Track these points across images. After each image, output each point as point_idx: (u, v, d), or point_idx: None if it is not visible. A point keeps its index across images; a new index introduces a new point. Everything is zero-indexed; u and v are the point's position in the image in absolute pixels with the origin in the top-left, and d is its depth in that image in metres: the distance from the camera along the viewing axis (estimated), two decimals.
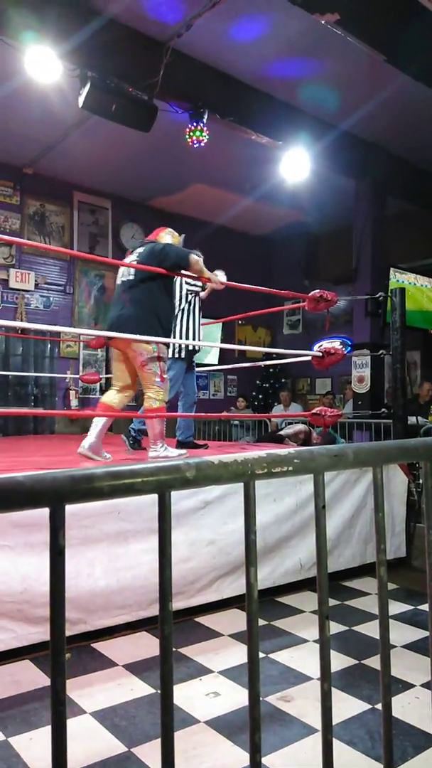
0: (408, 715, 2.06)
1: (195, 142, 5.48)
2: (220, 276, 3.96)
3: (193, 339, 4.48)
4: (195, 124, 5.44)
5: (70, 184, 8.13)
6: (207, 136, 5.48)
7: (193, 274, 3.84)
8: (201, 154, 6.18)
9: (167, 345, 3.85)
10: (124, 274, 3.82)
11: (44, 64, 4.72)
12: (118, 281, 3.88)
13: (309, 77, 5.70)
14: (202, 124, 5.43)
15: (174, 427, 4.87)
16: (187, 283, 4.46)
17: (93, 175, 7.96)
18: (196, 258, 3.71)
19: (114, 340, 3.76)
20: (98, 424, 3.68)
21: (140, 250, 3.84)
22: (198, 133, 5.43)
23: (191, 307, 4.55)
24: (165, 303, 3.79)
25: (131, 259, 3.83)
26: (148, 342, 3.60)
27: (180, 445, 4.58)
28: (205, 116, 5.45)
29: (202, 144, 5.50)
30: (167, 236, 4.01)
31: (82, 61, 4.93)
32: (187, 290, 4.52)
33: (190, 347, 4.52)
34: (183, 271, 3.78)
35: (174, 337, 4.34)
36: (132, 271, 3.75)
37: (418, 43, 4.97)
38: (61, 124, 6.47)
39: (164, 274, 3.67)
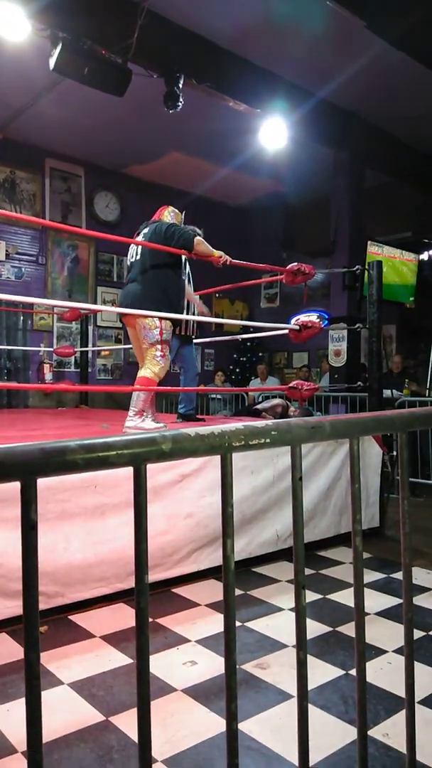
0: (380, 679, 2.11)
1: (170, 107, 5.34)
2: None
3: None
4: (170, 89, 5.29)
5: (41, 150, 7.89)
6: (182, 102, 5.34)
7: (202, 257, 3.89)
8: (177, 121, 6.04)
9: (173, 325, 3.88)
10: (133, 254, 3.87)
11: (13, 23, 4.52)
12: (128, 262, 3.95)
13: (287, 42, 5.57)
14: (177, 90, 5.28)
15: (176, 401, 5.02)
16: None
17: (65, 141, 7.73)
18: (200, 240, 3.79)
19: (125, 317, 3.86)
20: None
21: (146, 231, 3.89)
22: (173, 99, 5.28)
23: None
24: (174, 282, 3.84)
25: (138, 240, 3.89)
26: (153, 321, 3.68)
27: (181, 417, 4.69)
28: (181, 81, 5.30)
29: (178, 110, 5.36)
30: (170, 215, 4.06)
31: (53, 21, 4.74)
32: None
33: (190, 324, 4.57)
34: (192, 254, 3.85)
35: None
36: (140, 251, 3.80)
37: (399, 9, 4.89)
38: (32, 88, 6.24)
39: (172, 254, 3.74)
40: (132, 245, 3.90)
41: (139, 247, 3.83)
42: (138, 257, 3.82)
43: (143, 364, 3.80)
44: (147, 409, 3.79)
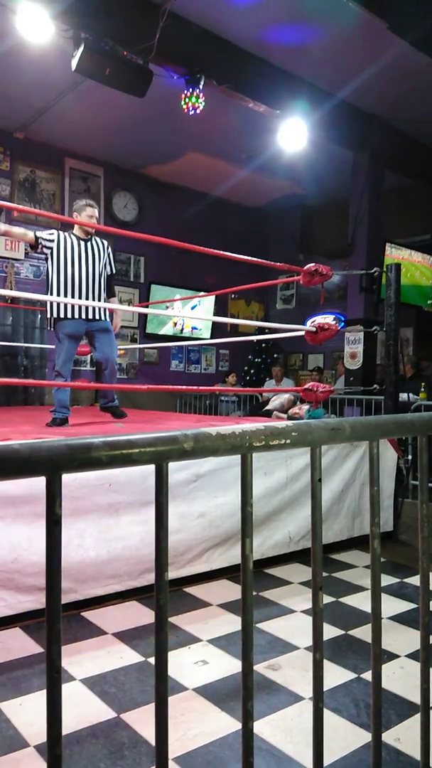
0: (392, 684, 2.10)
1: (190, 108, 5.35)
2: None
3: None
4: (191, 90, 5.30)
5: (61, 150, 7.95)
6: (203, 103, 5.34)
7: None
8: (196, 121, 6.05)
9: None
10: None
11: (36, 24, 4.56)
12: None
13: (308, 43, 5.56)
14: (198, 91, 5.29)
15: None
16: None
17: (85, 141, 7.78)
18: None
19: None
20: None
21: None
22: (194, 100, 5.29)
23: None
24: None
25: None
26: None
27: (104, 410, 4.59)
28: (202, 82, 5.31)
29: (198, 111, 5.37)
30: None
31: (75, 22, 4.77)
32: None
33: (80, 312, 4.17)
34: None
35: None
36: None
37: (421, 10, 4.86)
38: (54, 88, 6.29)
39: None
40: None
41: None
42: None
43: None
44: None
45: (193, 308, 9.30)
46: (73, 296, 4.12)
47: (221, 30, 5.46)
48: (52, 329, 4.27)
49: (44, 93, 6.41)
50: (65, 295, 4.11)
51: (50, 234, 4.16)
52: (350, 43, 5.45)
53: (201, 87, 5.31)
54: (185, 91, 5.33)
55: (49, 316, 4.20)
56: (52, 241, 4.13)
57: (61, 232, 4.22)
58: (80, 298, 4.14)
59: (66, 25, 4.78)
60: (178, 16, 5.13)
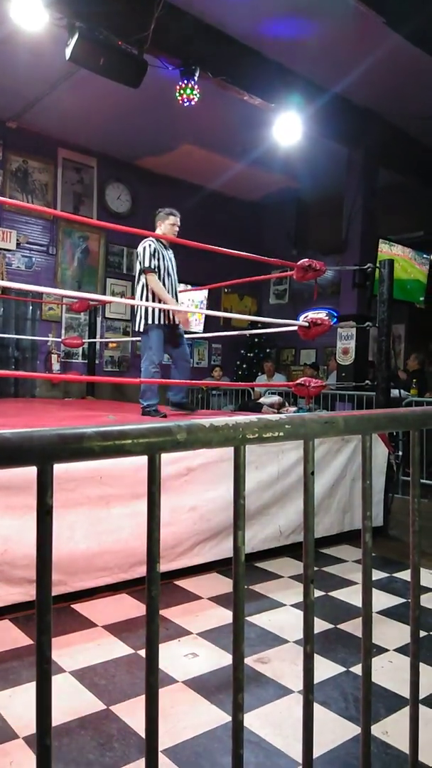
0: (381, 678, 2.11)
1: (185, 100, 5.31)
2: None
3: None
4: (186, 81, 5.26)
5: (54, 140, 7.88)
6: (198, 95, 5.31)
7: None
8: (191, 113, 6.02)
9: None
10: None
11: (30, 12, 4.51)
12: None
13: (304, 37, 5.53)
14: (193, 82, 5.25)
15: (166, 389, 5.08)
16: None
17: (79, 132, 7.72)
18: None
19: None
20: None
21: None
22: (188, 91, 5.25)
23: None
24: None
25: None
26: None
27: (174, 405, 4.68)
28: (197, 74, 5.27)
29: (193, 103, 5.34)
30: None
31: (69, 11, 4.72)
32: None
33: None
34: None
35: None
36: None
37: (418, 5, 4.85)
38: (47, 77, 6.22)
39: None
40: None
41: None
42: None
43: None
44: None
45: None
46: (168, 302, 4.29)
47: (217, 22, 5.42)
48: (142, 331, 4.32)
49: (38, 82, 6.35)
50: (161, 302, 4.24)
51: (153, 254, 4.18)
52: (346, 37, 5.43)
53: (196, 79, 5.27)
54: (180, 83, 5.30)
55: (150, 322, 4.23)
56: (158, 258, 4.21)
57: (154, 242, 4.23)
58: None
59: (60, 13, 4.72)
60: (173, 6, 5.08)
